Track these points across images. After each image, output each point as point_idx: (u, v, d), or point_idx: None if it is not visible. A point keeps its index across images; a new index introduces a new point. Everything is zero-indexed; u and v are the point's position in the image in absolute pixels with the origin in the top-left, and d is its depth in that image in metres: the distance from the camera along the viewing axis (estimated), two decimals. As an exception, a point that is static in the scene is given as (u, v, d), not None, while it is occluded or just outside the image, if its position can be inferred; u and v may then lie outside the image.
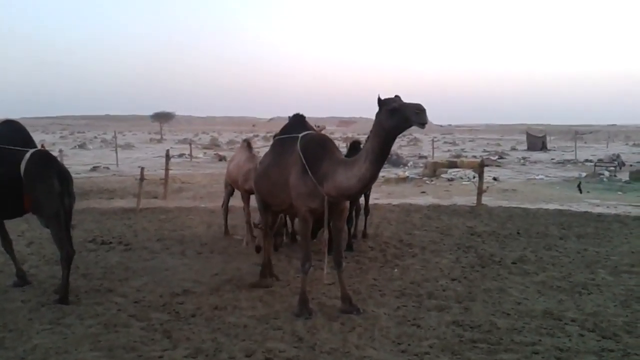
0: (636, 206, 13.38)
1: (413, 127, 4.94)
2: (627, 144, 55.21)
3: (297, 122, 6.38)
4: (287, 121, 6.68)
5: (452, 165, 23.26)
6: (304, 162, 5.52)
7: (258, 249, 7.52)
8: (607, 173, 21.60)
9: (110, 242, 8.87)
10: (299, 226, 5.76)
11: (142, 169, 13.07)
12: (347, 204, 5.93)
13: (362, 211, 9.26)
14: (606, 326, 5.26)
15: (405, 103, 4.82)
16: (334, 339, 4.97)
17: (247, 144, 9.02)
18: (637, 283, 6.72)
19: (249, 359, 4.58)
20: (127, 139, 57.75)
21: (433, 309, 5.76)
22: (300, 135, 5.88)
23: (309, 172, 5.46)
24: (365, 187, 5.35)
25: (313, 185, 5.44)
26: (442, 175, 20.66)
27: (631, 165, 25.55)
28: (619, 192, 16.52)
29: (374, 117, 5.05)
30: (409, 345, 4.84)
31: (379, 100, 4.96)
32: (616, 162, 25.18)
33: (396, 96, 4.92)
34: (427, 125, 5.00)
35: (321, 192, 5.42)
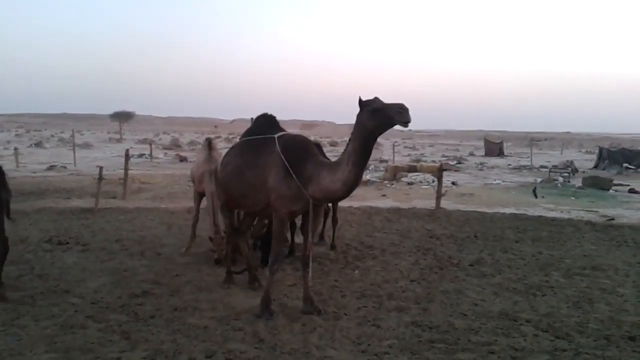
0: (588, 211, 13.81)
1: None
2: (580, 151, 56.91)
3: (267, 122, 6.23)
4: (250, 123, 6.57)
5: (412, 169, 23.55)
6: (287, 164, 5.43)
7: (218, 261, 7.46)
8: (561, 179, 22.18)
9: (67, 243, 8.64)
10: (274, 227, 5.64)
11: (101, 168, 12.78)
12: (324, 206, 5.90)
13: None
14: (559, 326, 5.43)
15: (388, 103, 4.85)
16: (295, 339, 4.99)
17: (208, 143, 8.33)
18: (589, 285, 6.95)
19: (209, 360, 4.56)
20: (86, 138, 56.32)
21: (393, 310, 5.84)
22: (276, 135, 5.79)
23: (293, 175, 5.37)
24: (350, 189, 5.26)
25: (297, 188, 5.36)
26: (403, 179, 20.93)
27: (584, 172, 26.38)
28: (572, 198, 16.98)
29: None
30: (368, 345, 4.90)
31: (360, 101, 4.97)
32: (570, 169, 25.96)
33: (375, 98, 4.95)
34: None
35: (305, 195, 5.38)
